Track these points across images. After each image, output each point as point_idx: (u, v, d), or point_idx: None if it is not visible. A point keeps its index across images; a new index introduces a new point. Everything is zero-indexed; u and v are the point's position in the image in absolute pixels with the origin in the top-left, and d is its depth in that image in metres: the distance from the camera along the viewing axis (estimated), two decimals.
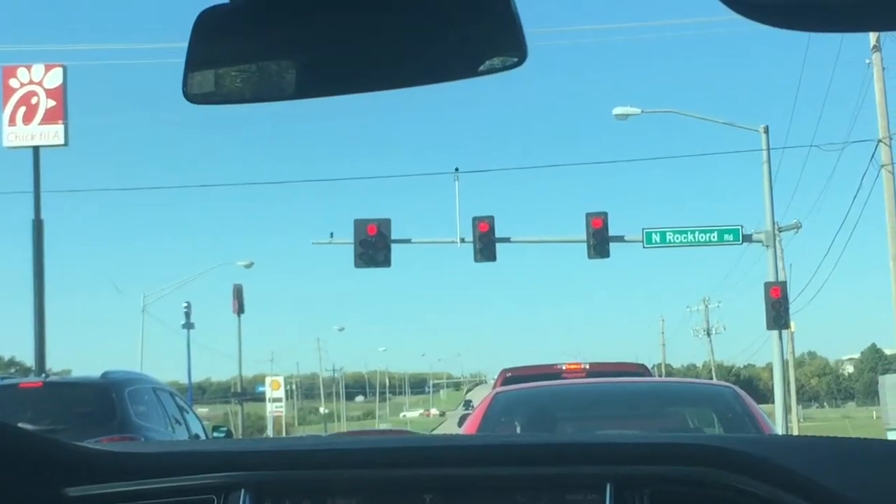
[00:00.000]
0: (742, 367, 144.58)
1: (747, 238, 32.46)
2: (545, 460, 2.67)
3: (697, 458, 2.58)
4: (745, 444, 2.62)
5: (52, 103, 31.55)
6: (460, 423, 15.78)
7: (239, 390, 75.83)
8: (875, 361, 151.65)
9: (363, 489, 2.66)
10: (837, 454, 2.64)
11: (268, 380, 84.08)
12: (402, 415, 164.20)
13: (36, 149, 31.42)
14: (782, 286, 31.63)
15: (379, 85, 2.17)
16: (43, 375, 17.41)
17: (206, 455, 2.85)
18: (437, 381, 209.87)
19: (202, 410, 63.35)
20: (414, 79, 2.16)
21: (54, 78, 31.82)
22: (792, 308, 34.77)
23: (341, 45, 2.13)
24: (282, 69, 2.25)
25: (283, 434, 78.70)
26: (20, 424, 2.92)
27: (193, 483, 2.69)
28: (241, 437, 40.42)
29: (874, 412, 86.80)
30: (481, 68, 2.10)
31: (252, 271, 64.69)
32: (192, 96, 2.25)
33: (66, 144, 31.73)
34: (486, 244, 31.18)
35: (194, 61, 2.21)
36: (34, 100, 31.59)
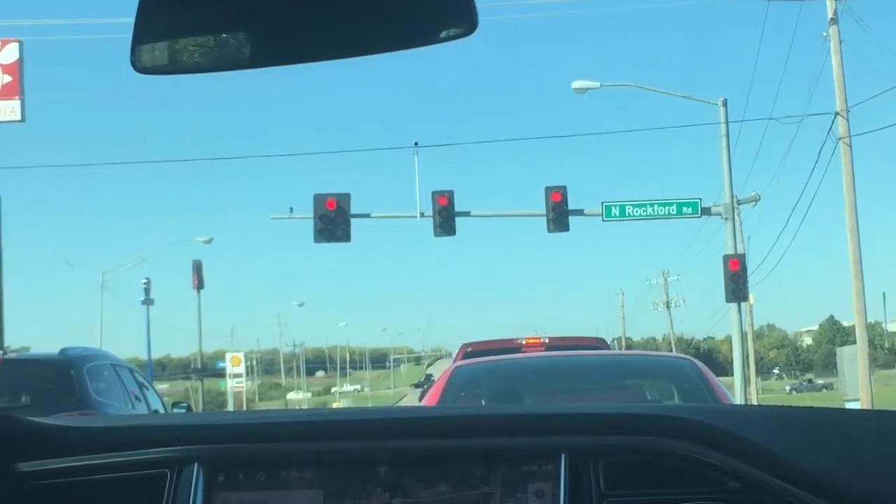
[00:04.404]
0: (702, 339, 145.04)
1: (706, 211, 32.65)
2: (500, 432, 2.66)
3: (652, 428, 2.57)
4: (700, 414, 2.63)
5: (8, 79, 31.32)
6: (421, 398, 15.82)
7: (199, 366, 75.74)
8: (833, 333, 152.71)
9: (317, 462, 2.65)
10: (794, 424, 2.64)
11: (228, 356, 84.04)
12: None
13: None
14: (741, 259, 31.87)
15: (329, 54, 2.16)
16: (1, 352, 17.29)
17: (159, 429, 2.83)
18: (397, 356, 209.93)
19: (162, 387, 63.25)
20: (363, 48, 2.14)
21: (10, 53, 31.57)
22: (751, 280, 35.01)
23: (293, 14, 2.11)
24: (233, 38, 2.21)
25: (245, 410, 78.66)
26: None
27: (146, 457, 2.67)
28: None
29: (832, 383, 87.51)
30: (432, 37, 2.08)
31: (211, 247, 64.71)
32: (141, 67, 2.22)
33: (23, 120, 31.49)
34: (445, 218, 31.24)
35: (142, 31, 2.18)
36: None
